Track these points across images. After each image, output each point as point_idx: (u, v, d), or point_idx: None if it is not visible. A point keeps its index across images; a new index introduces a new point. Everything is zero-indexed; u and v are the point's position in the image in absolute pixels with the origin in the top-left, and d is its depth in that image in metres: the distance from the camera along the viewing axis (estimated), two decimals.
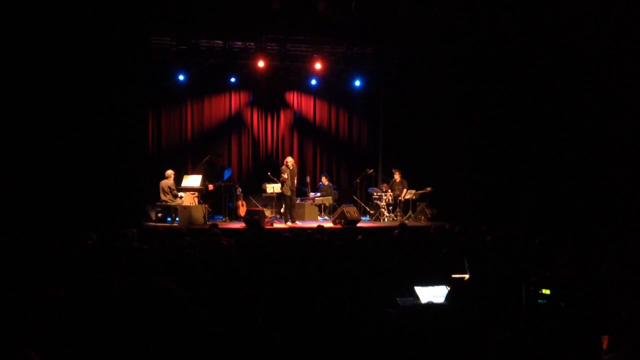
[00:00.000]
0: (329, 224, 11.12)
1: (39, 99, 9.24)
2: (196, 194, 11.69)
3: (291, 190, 11.60)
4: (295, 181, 11.86)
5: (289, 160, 11.83)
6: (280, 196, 12.25)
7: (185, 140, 14.08)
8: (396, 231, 8.30)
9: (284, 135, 14.92)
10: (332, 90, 14.54)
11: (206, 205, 11.62)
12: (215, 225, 9.11)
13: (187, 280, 4.55)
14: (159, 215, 11.88)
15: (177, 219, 11.22)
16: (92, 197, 9.73)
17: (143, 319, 1.26)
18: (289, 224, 11.43)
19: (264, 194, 13.18)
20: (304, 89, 14.72)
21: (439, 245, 6.78)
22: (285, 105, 14.90)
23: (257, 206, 12.57)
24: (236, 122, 14.56)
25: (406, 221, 11.49)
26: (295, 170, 11.95)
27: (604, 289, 3.78)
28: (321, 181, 13.68)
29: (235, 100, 14.54)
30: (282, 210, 12.35)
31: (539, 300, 3.72)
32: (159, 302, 1.29)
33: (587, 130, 9.43)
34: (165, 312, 1.29)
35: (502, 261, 5.13)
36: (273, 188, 12.66)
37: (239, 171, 14.49)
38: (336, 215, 11.65)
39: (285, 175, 11.54)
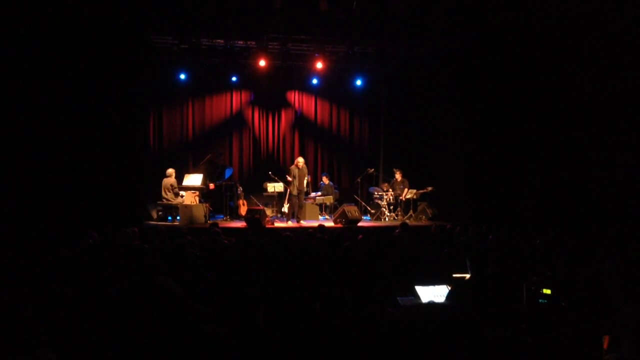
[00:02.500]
0: (329, 223, 11.12)
1: (40, 98, 9.25)
2: (197, 192, 11.70)
3: (298, 190, 11.58)
4: (305, 182, 11.83)
5: (299, 160, 11.81)
6: (281, 195, 12.28)
7: (186, 139, 14.11)
8: (397, 230, 8.30)
9: (285, 134, 14.92)
10: (333, 89, 14.54)
11: (207, 204, 11.63)
12: (216, 224, 9.12)
13: (187, 279, 4.55)
14: (160, 214, 11.90)
15: (178, 217, 11.24)
16: (93, 196, 9.74)
17: (144, 317, 1.26)
18: (292, 223, 11.42)
19: (265, 193, 13.19)
20: (305, 88, 14.73)
21: (439, 245, 6.78)
22: (287, 104, 14.91)
23: (258, 205, 12.57)
24: (237, 121, 14.57)
25: (407, 221, 11.49)
26: (305, 170, 11.91)
27: (605, 289, 3.77)
28: (322, 180, 13.68)
29: (237, 100, 14.55)
30: (283, 209, 12.35)
31: (540, 300, 3.72)
32: (161, 301, 1.29)
33: (588, 129, 9.42)
34: (167, 310, 1.28)
35: (503, 261, 5.12)
36: (274, 187, 12.68)
37: (240, 170, 14.51)
38: (337, 215, 11.64)
39: (291, 177, 11.56)
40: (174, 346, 1.28)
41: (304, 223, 11.58)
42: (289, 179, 11.59)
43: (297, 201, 11.67)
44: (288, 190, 11.87)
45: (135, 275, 4.60)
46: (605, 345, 3.01)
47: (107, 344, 1.27)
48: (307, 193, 13.37)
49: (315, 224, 9.82)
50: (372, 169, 13.56)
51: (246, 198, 13.00)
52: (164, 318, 1.28)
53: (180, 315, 1.31)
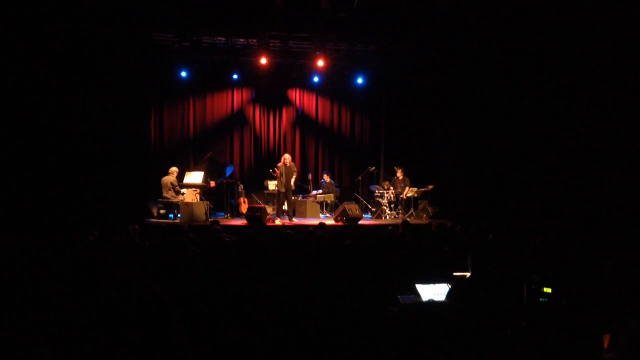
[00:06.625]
0: (330, 221, 11.12)
1: (42, 96, 9.25)
2: (198, 190, 11.70)
3: (286, 188, 11.59)
4: (293, 179, 11.83)
5: (286, 157, 11.84)
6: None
7: (187, 136, 14.11)
8: (390, 227, 8.31)
9: (286, 132, 14.92)
10: (334, 87, 14.51)
11: (208, 202, 11.62)
12: (217, 222, 9.13)
13: (188, 277, 4.56)
14: (161, 211, 11.91)
15: (179, 215, 11.25)
16: (94, 193, 9.75)
17: (128, 321, 1.25)
18: (279, 221, 11.39)
19: (265, 191, 13.20)
20: (307, 86, 14.71)
21: (440, 243, 6.78)
22: (288, 102, 14.90)
23: (259, 203, 12.57)
24: (238, 119, 14.57)
25: (408, 219, 11.49)
26: (294, 167, 11.94)
27: (605, 288, 3.77)
28: (323, 178, 13.68)
29: (238, 97, 14.55)
30: (283, 207, 12.38)
31: (540, 299, 3.72)
32: (144, 305, 1.28)
33: (589, 129, 9.41)
34: (150, 315, 1.27)
35: (503, 259, 5.12)
36: (275, 185, 12.68)
37: (240, 168, 14.51)
38: (338, 213, 11.65)
39: (278, 174, 11.59)
40: (157, 349, 1.27)
41: (295, 220, 11.61)
42: (277, 174, 11.62)
43: (284, 199, 11.68)
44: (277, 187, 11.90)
45: (121, 279, 4.60)
46: (605, 344, 3.01)
47: (100, 343, 1.27)
48: (308, 190, 13.39)
49: (316, 222, 9.82)
50: (373, 167, 13.57)
51: (247, 196, 13.00)
52: (147, 322, 1.27)
53: (164, 320, 1.29)
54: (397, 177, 13.22)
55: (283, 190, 11.63)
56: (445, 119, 13.28)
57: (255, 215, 10.76)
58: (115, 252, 5.78)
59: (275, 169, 11.82)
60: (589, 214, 9.08)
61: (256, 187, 13.47)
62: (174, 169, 11.78)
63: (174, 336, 1.30)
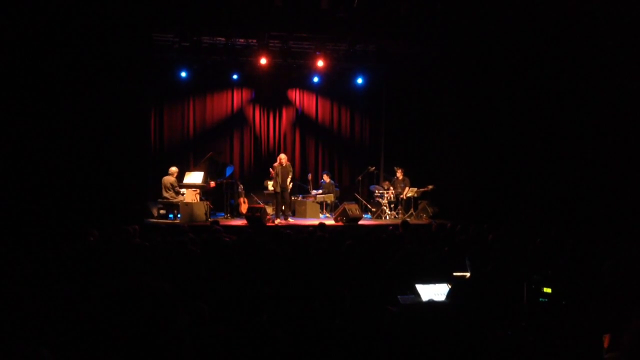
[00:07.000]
0: (330, 222, 11.12)
1: (42, 96, 9.25)
2: (198, 190, 11.70)
3: (281, 188, 11.58)
4: (289, 179, 11.82)
5: (282, 157, 11.82)
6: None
7: (187, 137, 14.10)
8: (391, 227, 8.31)
9: (286, 132, 14.92)
10: (334, 87, 14.52)
11: (208, 202, 11.62)
12: (217, 222, 9.14)
13: (188, 277, 4.56)
14: (161, 211, 11.90)
15: (179, 215, 11.24)
16: (94, 193, 9.75)
17: (131, 318, 1.25)
18: (279, 221, 11.40)
19: (265, 191, 13.20)
20: (306, 87, 14.71)
21: (440, 244, 6.78)
22: (288, 102, 14.90)
23: (259, 203, 12.57)
24: (238, 119, 14.57)
25: (408, 219, 11.49)
26: (290, 167, 11.92)
27: (605, 288, 3.77)
28: (323, 178, 13.68)
29: (238, 98, 14.55)
30: (281, 207, 12.40)
31: (540, 299, 3.72)
32: (148, 302, 1.28)
33: (588, 129, 9.41)
34: (154, 312, 1.27)
35: (503, 260, 5.12)
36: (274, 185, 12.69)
37: (240, 168, 14.51)
38: (338, 213, 11.65)
39: (273, 174, 11.59)
40: (161, 347, 1.27)
41: (291, 220, 11.61)
42: (272, 174, 11.62)
43: (280, 199, 11.68)
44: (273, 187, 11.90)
45: (122, 275, 4.60)
46: (605, 344, 3.01)
47: (100, 344, 1.26)
48: (308, 191, 13.39)
49: (315, 222, 9.82)
50: (373, 167, 13.56)
51: (247, 196, 12.99)
52: (151, 319, 1.27)
53: (169, 317, 1.29)
54: (397, 177, 13.22)
55: (279, 190, 11.62)
56: (445, 119, 13.28)
57: (255, 216, 10.76)
58: (115, 252, 5.78)
59: (271, 169, 11.81)
60: (589, 214, 9.07)
61: (256, 187, 13.47)
62: (174, 169, 11.78)
63: (176, 335, 1.30)
